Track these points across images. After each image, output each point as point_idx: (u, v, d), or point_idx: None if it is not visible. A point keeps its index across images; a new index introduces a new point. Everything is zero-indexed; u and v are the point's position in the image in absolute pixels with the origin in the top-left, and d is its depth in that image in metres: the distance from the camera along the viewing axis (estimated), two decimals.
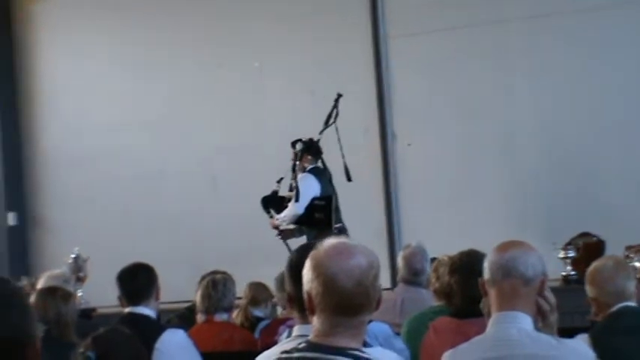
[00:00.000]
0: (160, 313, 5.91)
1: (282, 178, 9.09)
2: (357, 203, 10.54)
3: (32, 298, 5.09)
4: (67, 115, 11.85)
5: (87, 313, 8.07)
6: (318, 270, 2.78)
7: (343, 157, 8.82)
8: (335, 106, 9.11)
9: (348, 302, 2.75)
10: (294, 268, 3.47)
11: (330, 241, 2.85)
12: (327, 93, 10.71)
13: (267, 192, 9.14)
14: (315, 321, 2.79)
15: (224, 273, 6.46)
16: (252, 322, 6.71)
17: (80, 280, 8.85)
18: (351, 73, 10.72)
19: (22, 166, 12.02)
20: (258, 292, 6.98)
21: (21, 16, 12.09)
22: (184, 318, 6.95)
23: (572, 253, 8.84)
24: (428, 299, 5.96)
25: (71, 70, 11.83)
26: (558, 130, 10.06)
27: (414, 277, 6.40)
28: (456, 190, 10.32)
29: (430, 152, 10.46)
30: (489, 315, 3.31)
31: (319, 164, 9.06)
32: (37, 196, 12.01)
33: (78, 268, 8.93)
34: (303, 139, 9.05)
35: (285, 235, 9.14)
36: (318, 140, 9.04)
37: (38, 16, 12.00)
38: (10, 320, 2.12)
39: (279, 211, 9.09)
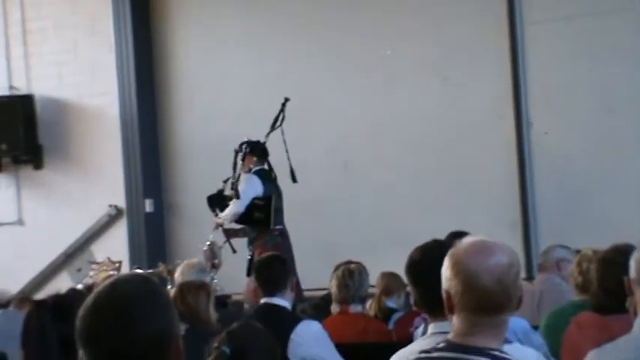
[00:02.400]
0: (295, 301, 5.94)
1: (228, 178, 9.26)
2: (491, 193, 10.40)
3: (171, 293, 5.18)
4: (202, 104, 11.99)
5: (222, 300, 8.16)
6: (458, 268, 2.73)
7: (289, 159, 9.12)
8: (282, 110, 9.31)
9: (488, 301, 2.71)
10: (414, 267, 3.46)
11: (469, 239, 2.81)
12: (461, 79, 10.61)
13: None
14: (455, 320, 2.76)
15: (358, 263, 6.45)
16: (385, 313, 6.68)
17: (215, 267, 8.97)
18: (486, 59, 10.56)
19: (159, 154, 12.22)
20: (391, 282, 6.95)
21: (158, 6, 12.27)
22: (319, 308, 6.97)
23: None
24: (567, 292, 5.86)
25: (207, 60, 11.95)
26: None
27: None
28: (593, 182, 10.05)
29: (567, 142, 10.22)
30: (635, 314, 3.19)
31: (265, 166, 9.24)
32: (174, 183, 12.20)
33: (213, 255, 9.04)
34: (249, 140, 9.20)
35: (229, 234, 9.33)
36: (264, 142, 9.24)
37: (175, 5, 12.16)
38: (156, 320, 2.17)
39: (223, 210, 9.22)
